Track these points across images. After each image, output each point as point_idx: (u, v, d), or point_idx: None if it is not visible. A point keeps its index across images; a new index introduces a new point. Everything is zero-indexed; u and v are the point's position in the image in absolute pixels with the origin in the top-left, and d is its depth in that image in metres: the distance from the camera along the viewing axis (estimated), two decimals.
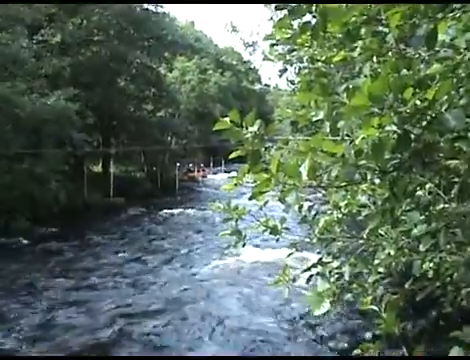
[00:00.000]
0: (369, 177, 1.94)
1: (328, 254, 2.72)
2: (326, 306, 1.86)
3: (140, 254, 18.34)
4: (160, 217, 27.72)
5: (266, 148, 2.02)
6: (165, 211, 28.93)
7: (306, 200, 2.63)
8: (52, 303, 12.44)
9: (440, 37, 1.80)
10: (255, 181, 1.91)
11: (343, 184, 2.10)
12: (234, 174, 2.19)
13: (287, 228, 2.58)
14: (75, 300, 12.71)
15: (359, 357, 2.19)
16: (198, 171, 52.26)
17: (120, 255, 18.16)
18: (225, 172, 50.43)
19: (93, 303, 12.60)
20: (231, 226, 2.58)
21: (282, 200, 1.90)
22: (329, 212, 2.75)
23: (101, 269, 16.02)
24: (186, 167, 49.89)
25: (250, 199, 1.99)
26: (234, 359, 9.51)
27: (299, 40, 2.52)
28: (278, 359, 9.61)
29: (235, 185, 2.18)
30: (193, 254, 18.78)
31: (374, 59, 2.14)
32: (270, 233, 2.57)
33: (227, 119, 1.93)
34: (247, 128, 1.94)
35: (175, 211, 29.22)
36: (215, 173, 56.95)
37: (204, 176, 52.29)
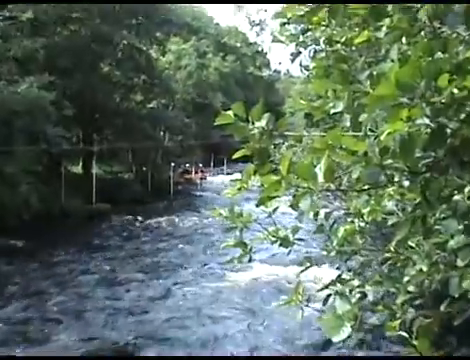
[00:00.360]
0: (397, 179, 1.95)
1: (349, 270, 2.72)
2: (346, 331, 1.85)
3: (119, 273, 18.09)
4: (150, 227, 27.80)
5: (276, 146, 2.03)
6: (156, 219, 29.03)
7: (323, 206, 2.63)
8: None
9: None
10: (263, 184, 1.91)
11: (366, 187, 2.10)
12: (238, 176, 2.20)
13: (300, 239, 2.59)
14: (30, 334, 12.38)
15: (360, 357, 2.21)
16: (196, 172, 52.32)
17: (97, 276, 17.75)
18: (228, 174, 50.49)
19: (52, 336, 12.29)
20: (235, 236, 2.58)
21: (294, 206, 1.90)
22: (350, 220, 2.76)
23: (68, 293, 15.66)
24: (182, 167, 50.00)
25: (257, 205, 2.00)
26: (234, 359, 10.22)
27: (315, 18, 2.52)
28: (278, 359, 10.26)
29: (239, 189, 2.18)
30: (185, 272, 18.60)
31: (403, 40, 2.14)
32: (280, 245, 2.57)
33: (230, 112, 1.94)
34: (253, 123, 1.94)
35: (168, 219, 29.31)
36: (216, 174, 57.01)
37: (203, 178, 52.41)
